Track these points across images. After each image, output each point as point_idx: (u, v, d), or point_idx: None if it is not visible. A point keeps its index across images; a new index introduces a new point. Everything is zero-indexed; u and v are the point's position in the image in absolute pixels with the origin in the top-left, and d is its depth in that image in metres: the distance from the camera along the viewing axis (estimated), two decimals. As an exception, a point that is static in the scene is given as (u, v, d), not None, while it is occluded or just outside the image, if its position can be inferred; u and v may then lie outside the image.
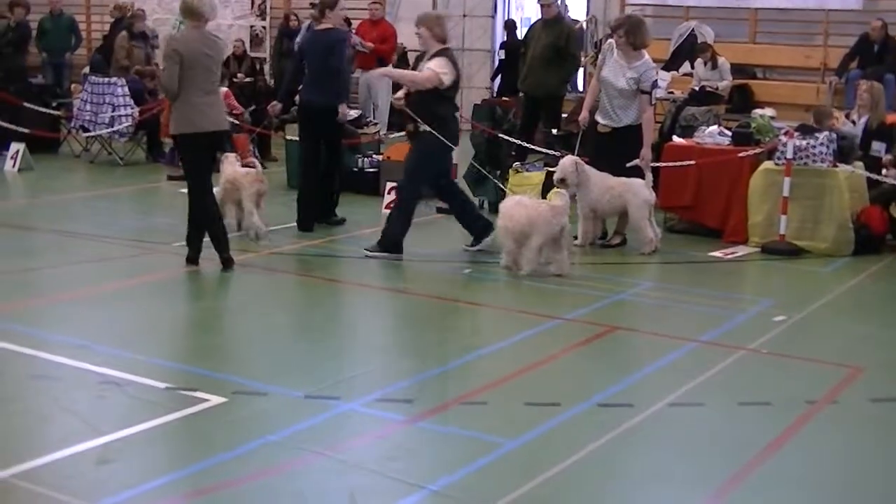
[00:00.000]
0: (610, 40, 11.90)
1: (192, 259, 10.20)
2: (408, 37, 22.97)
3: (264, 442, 6.05)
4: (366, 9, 19.83)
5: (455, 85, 10.89)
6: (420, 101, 10.87)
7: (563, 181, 11.30)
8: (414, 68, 11.97)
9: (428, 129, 10.72)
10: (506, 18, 22.84)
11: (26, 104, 17.08)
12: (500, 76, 22.09)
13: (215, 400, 6.64)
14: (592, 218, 11.44)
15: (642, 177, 11.23)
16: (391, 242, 10.85)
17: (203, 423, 6.38)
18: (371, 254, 10.83)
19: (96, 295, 9.32)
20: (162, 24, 24.49)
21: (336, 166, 12.53)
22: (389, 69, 11.39)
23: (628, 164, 11.20)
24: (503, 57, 21.56)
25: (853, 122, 12.72)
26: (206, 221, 10.15)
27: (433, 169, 11.08)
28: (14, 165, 15.91)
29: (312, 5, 20.40)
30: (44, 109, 17.48)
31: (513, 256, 10.36)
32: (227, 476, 5.66)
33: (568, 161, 11.37)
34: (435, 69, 10.66)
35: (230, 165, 11.70)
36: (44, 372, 7.16)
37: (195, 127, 9.91)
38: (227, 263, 10.12)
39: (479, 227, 11.31)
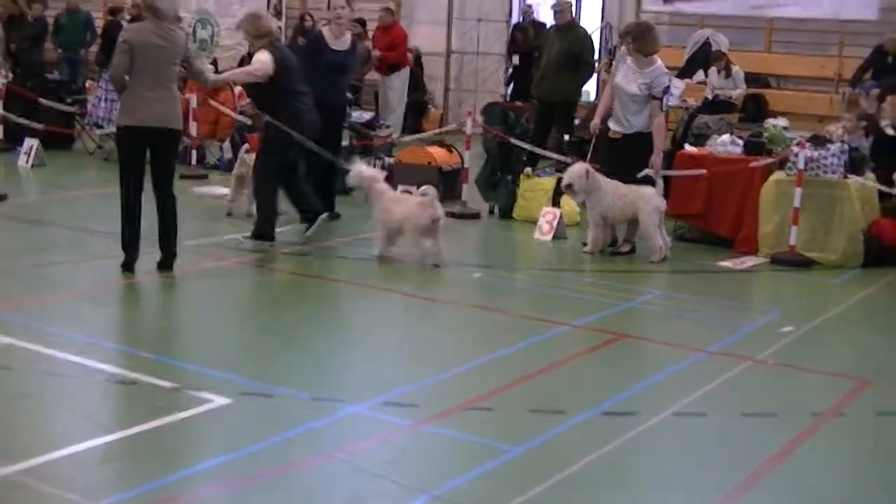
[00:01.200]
0: (623, 47, 11.92)
1: (127, 266, 9.76)
2: (423, 39, 23.17)
3: (269, 444, 6.06)
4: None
5: (284, 74, 11.06)
6: (256, 96, 11.49)
7: (570, 187, 11.39)
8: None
9: (269, 118, 11.06)
10: (521, 21, 22.81)
11: (42, 100, 17.13)
12: (512, 81, 22.08)
13: (221, 401, 6.65)
14: (603, 225, 11.43)
15: (653, 184, 11.22)
16: (260, 232, 11.13)
17: (208, 423, 6.40)
18: (244, 239, 11.18)
19: (106, 292, 9.34)
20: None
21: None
22: (225, 75, 11.82)
23: (639, 175, 11.19)
24: (517, 62, 21.57)
25: (867, 133, 12.70)
26: (124, 220, 9.76)
27: (277, 157, 11.22)
28: (28, 161, 15.95)
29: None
30: (59, 106, 17.52)
31: (383, 248, 10.94)
32: (231, 477, 5.67)
33: (578, 168, 11.42)
34: (261, 58, 10.97)
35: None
36: (51, 369, 7.17)
37: (137, 120, 9.57)
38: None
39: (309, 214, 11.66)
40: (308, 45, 12.86)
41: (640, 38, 11.48)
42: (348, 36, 12.53)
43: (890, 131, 12.66)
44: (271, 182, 11.30)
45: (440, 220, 10.69)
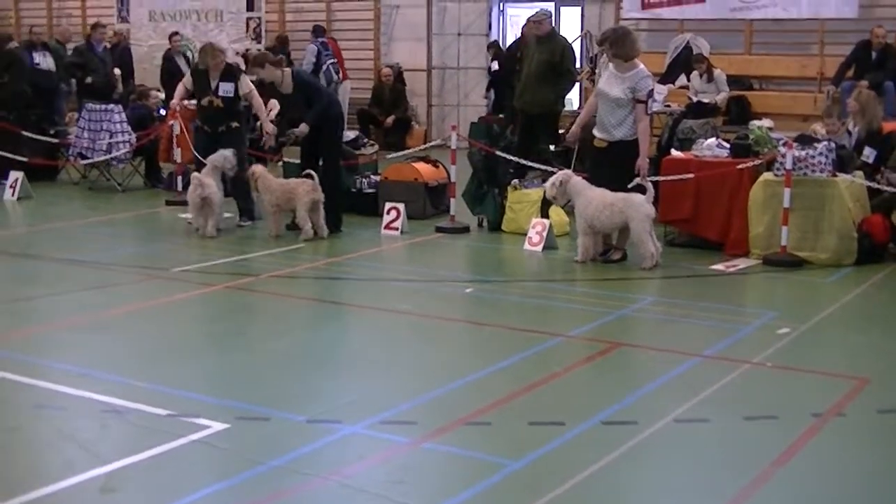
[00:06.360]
0: (605, 55, 11.91)
1: None
2: (404, 55, 23.22)
3: (268, 468, 6.01)
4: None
5: None
6: None
7: (553, 198, 11.54)
8: None
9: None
10: (489, 41, 22.82)
11: (24, 133, 17.08)
12: (493, 91, 22.09)
13: (217, 426, 6.60)
14: (591, 233, 11.38)
15: (644, 192, 11.18)
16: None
17: (206, 449, 6.34)
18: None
19: (97, 322, 9.28)
20: (157, 50, 24.50)
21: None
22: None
23: (630, 185, 11.15)
24: (496, 68, 21.57)
25: (849, 132, 12.69)
26: None
27: None
28: (13, 194, 15.90)
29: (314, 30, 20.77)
30: (42, 137, 17.46)
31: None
32: (231, 503, 5.61)
33: (554, 177, 11.52)
34: None
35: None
36: (45, 401, 7.12)
37: None
38: None
39: None
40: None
41: (618, 44, 11.47)
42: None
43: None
44: None
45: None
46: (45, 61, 18.95)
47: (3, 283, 10.82)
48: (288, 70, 13.17)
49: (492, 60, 21.83)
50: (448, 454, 6.32)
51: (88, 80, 18.92)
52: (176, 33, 21.85)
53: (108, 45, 21.32)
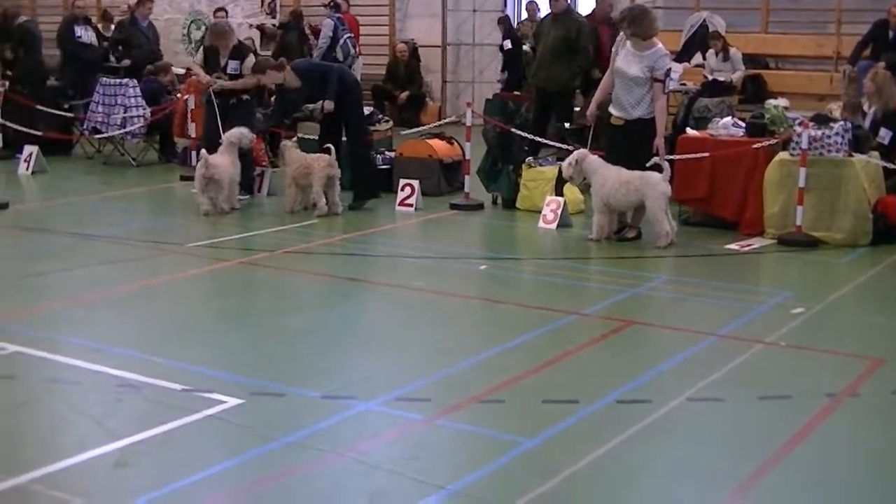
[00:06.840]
0: (622, 32, 11.85)
1: None
2: (419, 31, 23.16)
3: (282, 443, 6.02)
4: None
5: None
6: None
7: (570, 177, 11.49)
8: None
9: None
10: (501, 15, 22.75)
11: (39, 107, 17.07)
12: (506, 70, 22.04)
13: (232, 402, 6.61)
14: (607, 212, 11.35)
15: (660, 170, 11.14)
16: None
17: (220, 424, 6.35)
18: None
19: (111, 297, 9.29)
20: (174, 24, 24.49)
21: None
22: None
23: (648, 165, 11.11)
24: (510, 47, 21.51)
25: (864, 113, 12.64)
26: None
27: None
28: (28, 168, 15.92)
29: (326, 5, 20.67)
30: (56, 111, 17.45)
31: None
32: (245, 478, 5.63)
33: (570, 156, 11.47)
34: None
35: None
36: (60, 376, 7.14)
37: None
38: None
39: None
40: None
41: (636, 23, 11.41)
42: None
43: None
44: None
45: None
46: (86, 35, 18.88)
47: (17, 257, 10.83)
48: (288, 68, 13.24)
49: (504, 39, 21.77)
50: (462, 431, 6.33)
51: (126, 62, 18.71)
52: (220, 9, 21.75)
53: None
